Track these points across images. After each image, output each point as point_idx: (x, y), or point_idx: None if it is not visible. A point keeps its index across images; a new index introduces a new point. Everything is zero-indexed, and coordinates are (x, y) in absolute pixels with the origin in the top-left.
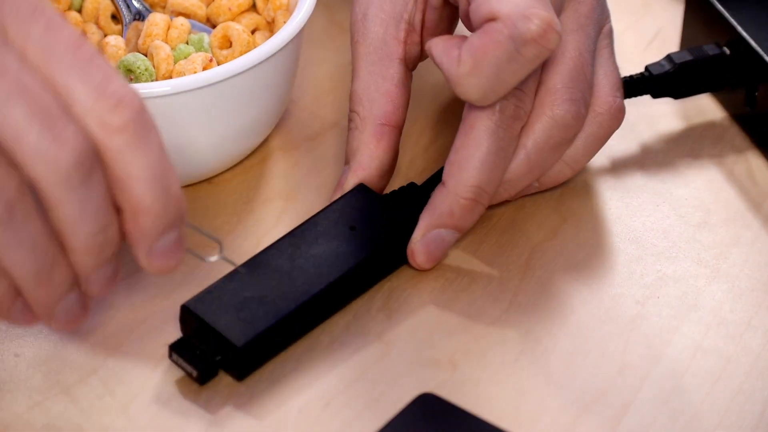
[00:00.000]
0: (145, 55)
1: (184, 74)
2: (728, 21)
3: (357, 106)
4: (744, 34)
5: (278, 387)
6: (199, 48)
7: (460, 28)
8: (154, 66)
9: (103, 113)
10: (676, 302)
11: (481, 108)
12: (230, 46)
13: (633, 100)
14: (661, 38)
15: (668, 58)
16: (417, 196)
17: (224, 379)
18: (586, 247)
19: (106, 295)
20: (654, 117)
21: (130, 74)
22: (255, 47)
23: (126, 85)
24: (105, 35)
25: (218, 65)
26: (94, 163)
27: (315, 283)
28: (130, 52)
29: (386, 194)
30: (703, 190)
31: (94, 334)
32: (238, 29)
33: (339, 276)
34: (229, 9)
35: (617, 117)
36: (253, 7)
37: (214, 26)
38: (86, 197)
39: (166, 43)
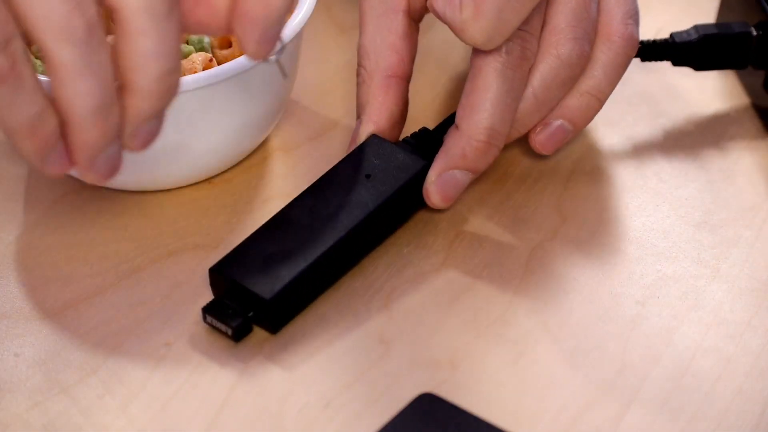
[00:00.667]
0: None
1: (184, 74)
2: (761, 2)
3: (364, 60)
4: None
5: (276, 383)
6: (199, 48)
7: None
8: None
9: None
10: (676, 302)
11: (488, 51)
12: (230, 46)
13: (634, 98)
14: (663, 35)
15: (695, 28)
16: (430, 140)
17: (220, 381)
18: (586, 247)
19: (141, 151)
20: (656, 116)
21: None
22: None
23: None
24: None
25: (218, 65)
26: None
27: (335, 232)
28: None
29: (399, 141)
30: (703, 190)
31: (94, 334)
32: None
33: (357, 223)
34: None
35: (630, 44)
36: None
37: None
38: (166, 31)
39: None
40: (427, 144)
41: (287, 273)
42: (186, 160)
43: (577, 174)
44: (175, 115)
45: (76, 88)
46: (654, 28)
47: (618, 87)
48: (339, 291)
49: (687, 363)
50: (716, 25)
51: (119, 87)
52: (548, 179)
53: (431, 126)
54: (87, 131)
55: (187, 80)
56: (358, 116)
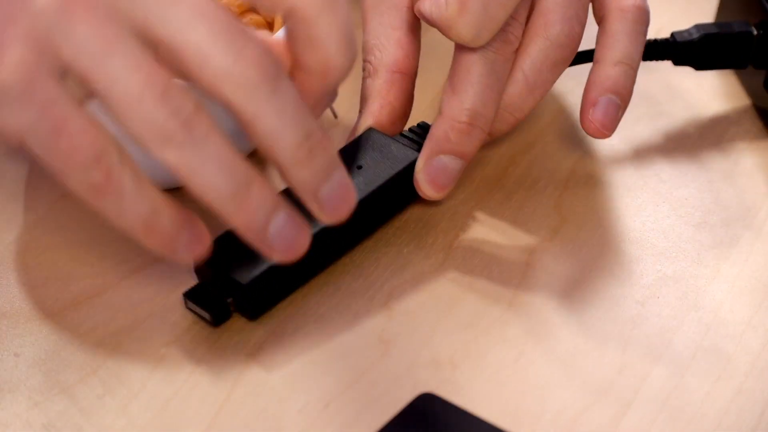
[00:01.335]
0: None
1: None
2: (761, 1)
3: (369, 56)
4: None
5: (276, 383)
6: None
7: None
8: None
9: None
10: (676, 302)
11: None
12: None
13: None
14: (664, 34)
15: (696, 27)
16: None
17: (220, 381)
18: (586, 247)
19: (343, 216)
20: (656, 116)
21: None
22: None
23: None
24: None
25: None
26: (279, 69)
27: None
28: None
29: (396, 135)
30: (703, 190)
31: (94, 334)
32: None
33: None
34: (230, 8)
35: (643, 12)
36: (254, 8)
37: None
38: (283, 102)
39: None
40: (425, 138)
41: (266, 259)
42: None
43: (577, 174)
44: None
45: (199, 181)
46: (654, 27)
47: None
48: (339, 291)
49: (687, 363)
50: (717, 24)
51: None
52: (548, 179)
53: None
54: (236, 214)
55: None
56: (360, 110)
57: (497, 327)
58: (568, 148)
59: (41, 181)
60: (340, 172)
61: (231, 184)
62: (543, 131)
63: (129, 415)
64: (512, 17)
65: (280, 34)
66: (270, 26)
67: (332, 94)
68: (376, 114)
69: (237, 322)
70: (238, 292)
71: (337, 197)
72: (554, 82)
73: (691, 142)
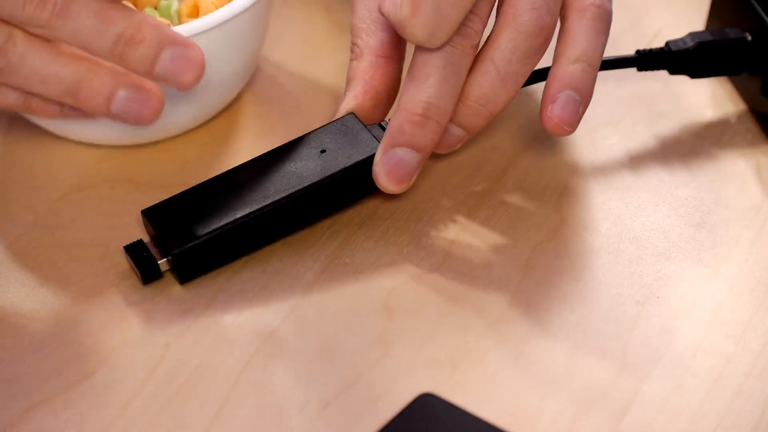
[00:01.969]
0: None
1: None
2: (753, 7)
3: (356, 39)
4: (766, 19)
5: (276, 383)
6: (165, 14)
7: None
8: None
9: None
10: (676, 302)
11: None
12: (198, 15)
13: (633, 99)
14: (661, 38)
15: (690, 35)
16: None
17: (220, 381)
18: (586, 247)
19: (188, 81)
20: (656, 117)
21: None
22: None
23: None
24: None
25: None
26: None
27: (266, 198)
28: None
29: (374, 124)
30: (703, 190)
31: (94, 334)
32: (207, 1)
33: (290, 194)
34: None
35: (603, 12)
36: None
37: None
38: (74, 27)
39: (135, 5)
40: None
41: (205, 229)
42: (163, 114)
43: (577, 174)
44: None
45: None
46: (654, 28)
47: (617, 87)
48: (338, 291)
49: (687, 363)
50: (711, 32)
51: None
52: (548, 179)
53: None
54: (77, 105)
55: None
56: (345, 92)
57: (497, 327)
58: (568, 149)
59: (41, 181)
60: (173, 49)
61: (63, 84)
62: (543, 131)
63: (129, 415)
64: (472, 12)
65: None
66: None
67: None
68: (360, 97)
69: (237, 322)
70: (171, 255)
71: (173, 70)
72: (527, 74)
73: (691, 142)
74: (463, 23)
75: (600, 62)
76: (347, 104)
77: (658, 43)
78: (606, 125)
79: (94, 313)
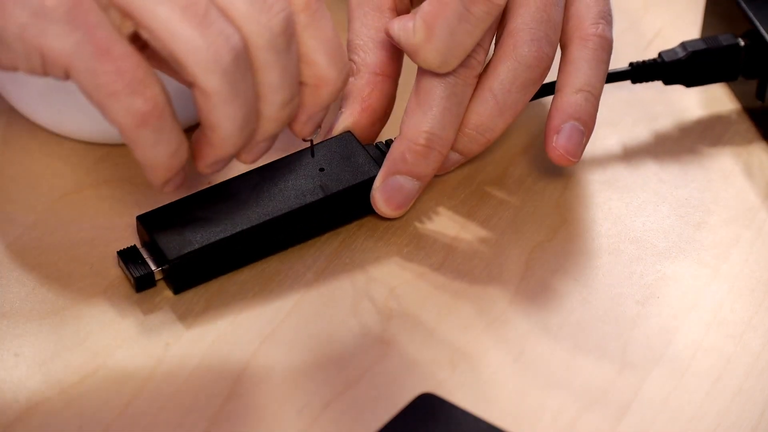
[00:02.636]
0: None
1: None
2: (745, 12)
3: (353, 55)
4: (758, 25)
5: (276, 383)
6: None
7: None
8: None
9: None
10: (676, 302)
11: None
12: None
13: (633, 99)
14: (661, 38)
15: (682, 45)
16: None
17: (221, 381)
18: (586, 247)
19: (249, 163)
20: (655, 117)
21: None
22: None
23: None
24: None
25: None
26: (293, 33)
27: (264, 213)
28: None
29: (370, 145)
30: (703, 190)
31: (94, 334)
32: None
33: (289, 211)
34: None
35: (605, 42)
36: None
37: None
38: (287, 64)
39: None
40: None
41: (201, 239)
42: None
43: (576, 174)
44: None
45: (225, 112)
46: (654, 28)
47: (617, 88)
48: (338, 291)
49: (687, 363)
50: (703, 40)
51: None
52: (548, 179)
53: None
54: (224, 146)
55: None
56: (341, 107)
57: (497, 327)
58: None
59: (41, 181)
60: (270, 145)
61: (242, 122)
62: (543, 132)
63: (130, 414)
64: (477, 43)
65: None
66: None
67: (326, 110)
68: (356, 115)
69: (236, 322)
70: (165, 265)
71: (261, 152)
72: (525, 103)
73: (691, 142)
74: (468, 54)
75: (601, 91)
76: (344, 121)
77: (659, 44)
78: (606, 126)
79: (94, 312)
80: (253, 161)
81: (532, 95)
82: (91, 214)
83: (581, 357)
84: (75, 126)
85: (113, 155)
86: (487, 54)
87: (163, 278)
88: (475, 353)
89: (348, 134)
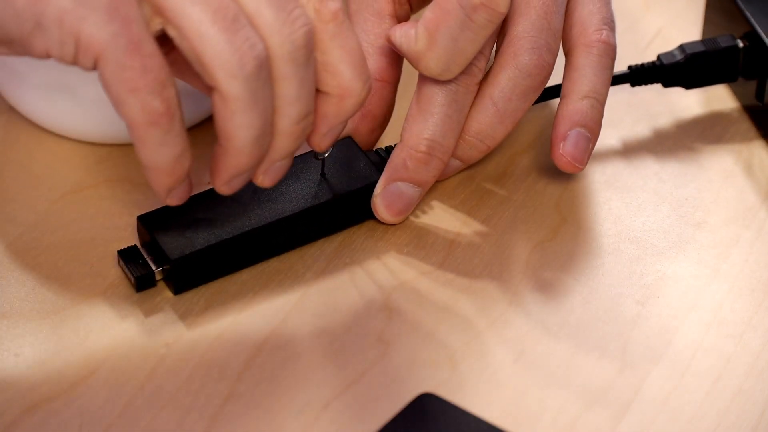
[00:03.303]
0: None
1: None
2: (744, 13)
3: None
4: (756, 26)
5: (276, 383)
6: None
7: None
8: None
9: (317, 2)
10: (676, 302)
11: None
12: None
13: (633, 99)
14: (661, 38)
15: (681, 48)
16: None
17: (221, 381)
18: (586, 247)
19: (268, 187)
20: (656, 117)
21: None
22: None
23: None
24: None
25: None
26: (313, 49)
27: (265, 216)
28: None
29: (368, 151)
30: (703, 190)
31: (94, 334)
32: None
33: (291, 214)
34: None
35: (608, 48)
36: None
37: None
38: (304, 78)
39: None
40: None
41: (202, 241)
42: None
43: (576, 174)
44: None
45: (243, 120)
46: (654, 28)
47: (617, 88)
48: (339, 291)
49: (687, 363)
50: (702, 42)
51: None
52: (548, 179)
53: None
54: (240, 159)
55: None
56: None
57: (497, 327)
58: None
59: (41, 181)
60: (288, 167)
61: (259, 131)
62: (543, 132)
63: (130, 414)
64: (478, 50)
65: None
66: None
67: (345, 124)
68: (356, 121)
69: (236, 322)
70: (166, 265)
71: (278, 173)
72: (525, 110)
73: (691, 142)
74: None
75: (606, 97)
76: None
77: (659, 44)
78: (606, 125)
79: (94, 312)
80: (272, 184)
81: (532, 102)
82: (91, 214)
83: (581, 357)
84: (75, 126)
85: (113, 155)
86: (487, 61)
87: (163, 278)
88: (475, 353)
89: (348, 140)
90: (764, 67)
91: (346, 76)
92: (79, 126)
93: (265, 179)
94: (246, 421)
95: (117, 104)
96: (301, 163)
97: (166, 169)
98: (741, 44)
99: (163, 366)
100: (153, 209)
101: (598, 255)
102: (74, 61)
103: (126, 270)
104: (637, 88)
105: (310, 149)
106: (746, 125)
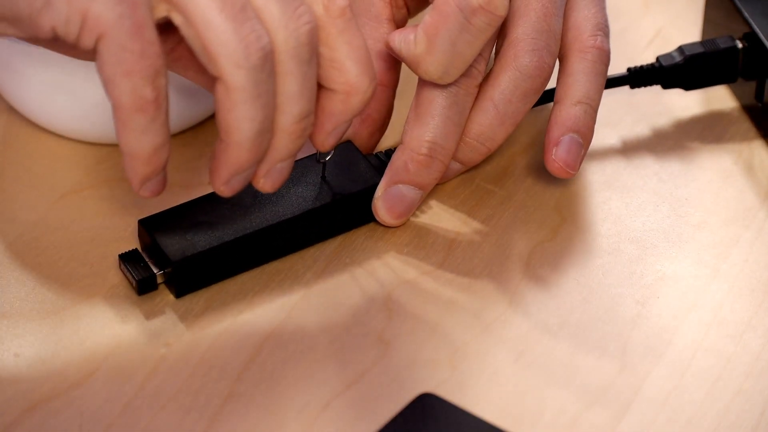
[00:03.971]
0: None
1: None
2: (743, 14)
3: None
4: (755, 27)
5: (276, 383)
6: None
7: None
8: None
9: None
10: (676, 302)
11: None
12: None
13: (633, 99)
14: (661, 38)
15: (680, 49)
16: None
17: (221, 381)
18: (586, 247)
19: (269, 192)
20: (655, 117)
21: None
22: None
23: None
24: None
25: None
26: (316, 45)
27: (266, 219)
28: None
29: (369, 154)
30: (703, 190)
31: (94, 334)
32: None
33: (292, 217)
34: None
35: (602, 54)
36: None
37: None
38: (307, 75)
39: None
40: None
41: (203, 243)
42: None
43: (576, 174)
44: None
45: (245, 111)
46: (654, 28)
47: (617, 88)
48: (339, 291)
49: (687, 363)
50: (701, 43)
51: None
52: (548, 179)
53: None
54: (240, 154)
55: None
56: None
57: (497, 327)
58: None
59: (41, 181)
60: (289, 169)
61: (261, 125)
62: (543, 132)
63: (130, 414)
64: (477, 53)
65: None
66: None
67: (350, 123)
68: (356, 126)
69: (236, 322)
70: (167, 267)
71: (279, 176)
72: (526, 112)
73: (691, 142)
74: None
75: (599, 103)
76: None
77: (659, 44)
78: (606, 125)
79: (94, 312)
80: (273, 189)
81: (533, 104)
82: (91, 214)
83: (581, 357)
84: (75, 126)
85: (113, 155)
86: (487, 63)
87: (164, 282)
88: (475, 353)
89: (349, 143)
90: (763, 68)
91: (352, 73)
92: (79, 126)
93: (266, 183)
94: (246, 421)
95: (108, 84)
96: (301, 166)
97: (144, 158)
98: (740, 45)
99: (163, 366)
100: (154, 211)
101: (598, 255)
102: (76, 40)
103: (127, 273)
104: (639, 88)
105: (309, 154)
106: (746, 125)
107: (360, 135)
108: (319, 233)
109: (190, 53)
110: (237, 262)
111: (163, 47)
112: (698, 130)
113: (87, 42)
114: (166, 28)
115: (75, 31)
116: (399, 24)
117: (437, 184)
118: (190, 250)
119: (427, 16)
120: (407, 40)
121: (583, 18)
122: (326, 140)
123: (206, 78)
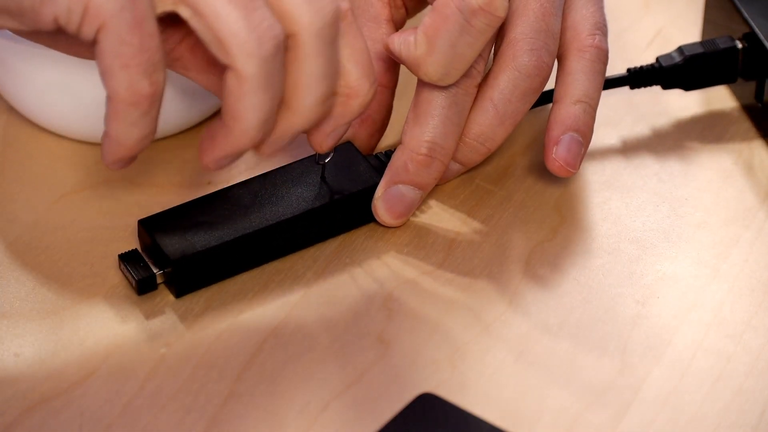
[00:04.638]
0: None
1: None
2: (742, 14)
3: None
4: (755, 27)
5: (276, 383)
6: None
7: None
8: None
9: None
10: (676, 302)
11: None
12: None
13: (633, 99)
14: (661, 38)
15: (679, 50)
16: None
17: (221, 381)
18: (586, 247)
19: (266, 158)
20: (655, 117)
21: None
22: None
23: None
24: None
25: None
26: (339, 29)
27: (266, 219)
28: None
29: (370, 155)
30: (703, 190)
31: (93, 334)
32: None
33: (291, 217)
34: None
35: (601, 53)
36: None
37: None
38: (331, 57)
39: None
40: None
41: (203, 243)
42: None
43: (576, 174)
44: None
45: (254, 100)
46: (654, 28)
47: (617, 88)
48: (338, 291)
49: (687, 363)
50: (701, 43)
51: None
52: (548, 179)
53: None
54: (241, 140)
55: None
56: None
57: (497, 327)
58: None
59: (41, 181)
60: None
61: (267, 115)
62: (543, 132)
63: (130, 414)
64: (477, 54)
65: None
66: None
67: (349, 125)
68: (356, 126)
69: (236, 322)
70: (167, 267)
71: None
72: (525, 112)
73: (691, 142)
74: None
75: (598, 101)
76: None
77: (659, 44)
78: (606, 125)
79: (94, 312)
80: (270, 155)
81: (532, 104)
82: (91, 214)
83: (581, 357)
84: (75, 126)
85: None
86: (486, 63)
87: (164, 282)
88: (475, 353)
89: (348, 144)
90: (763, 68)
91: (353, 76)
92: (79, 126)
93: (266, 149)
94: (246, 421)
95: (105, 75)
96: (301, 167)
97: (126, 146)
98: (740, 45)
99: (163, 366)
100: (154, 211)
101: (598, 255)
102: (78, 30)
103: (127, 273)
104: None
105: (309, 154)
106: (746, 125)
107: (359, 136)
108: (319, 233)
109: (191, 53)
110: (237, 262)
111: (165, 45)
112: (698, 130)
113: (88, 32)
114: (170, 24)
115: (77, 21)
116: (398, 25)
117: (437, 184)
118: (190, 249)
119: (426, 17)
120: (407, 43)
121: (581, 17)
122: (324, 142)
123: (207, 78)
